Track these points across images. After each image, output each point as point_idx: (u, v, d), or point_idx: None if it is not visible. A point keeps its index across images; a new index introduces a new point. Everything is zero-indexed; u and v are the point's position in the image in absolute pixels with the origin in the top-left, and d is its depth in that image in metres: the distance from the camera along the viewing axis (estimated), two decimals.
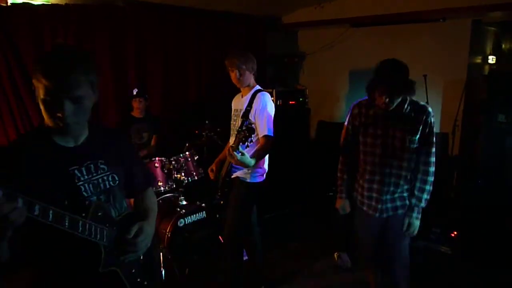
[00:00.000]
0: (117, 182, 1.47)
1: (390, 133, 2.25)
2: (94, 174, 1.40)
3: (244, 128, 2.31)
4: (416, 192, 2.29)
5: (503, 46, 5.47)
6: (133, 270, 1.50)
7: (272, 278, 3.30)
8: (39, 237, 1.27)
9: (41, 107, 1.27)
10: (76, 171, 1.35)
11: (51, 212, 1.16)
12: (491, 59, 5.23)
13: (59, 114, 1.25)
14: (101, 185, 1.41)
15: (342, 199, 2.53)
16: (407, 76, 2.12)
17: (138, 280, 1.53)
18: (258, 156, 2.57)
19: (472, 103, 4.66)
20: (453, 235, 3.81)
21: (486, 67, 5.26)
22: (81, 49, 1.35)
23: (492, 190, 4.06)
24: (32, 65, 1.28)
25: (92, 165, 1.40)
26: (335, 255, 3.54)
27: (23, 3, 3.31)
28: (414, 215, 2.31)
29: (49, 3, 3.47)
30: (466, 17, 4.43)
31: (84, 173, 1.37)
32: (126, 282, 1.44)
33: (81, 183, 1.35)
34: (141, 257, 1.56)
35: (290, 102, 4.73)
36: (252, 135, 2.31)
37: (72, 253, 1.32)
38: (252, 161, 2.50)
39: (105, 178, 1.43)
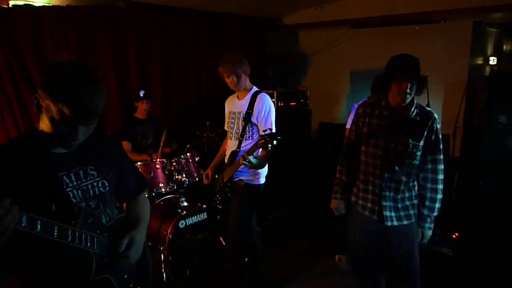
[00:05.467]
0: (107, 188, 1.45)
1: (393, 136, 2.15)
2: (83, 180, 1.38)
3: (265, 135, 2.28)
4: (427, 203, 2.22)
5: (504, 47, 5.47)
6: (126, 276, 1.48)
7: (273, 279, 3.29)
8: (27, 246, 1.25)
9: (48, 123, 1.23)
10: (64, 177, 1.33)
11: (39, 222, 1.13)
12: (492, 60, 5.23)
13: (73, 142, 1.26)
14: (91, 191, 1.39)
15: (337, 199, 2.44)
16: (419, 66, 2.11)
17: (131, 285, 1.51)
18: (267, 157, 2.57)
19: (473, 105, 4.65)
20: (454, 236, 3.80)
21: (487, 68, 5.26)
22: (93, 68, 1.28)
23: (493, 192, 4.05)
24: (45, 84, 1.19)
25: (81, 171, 1.38)
26: (336, 258, 3.54)
27: (24, 4, 3.31)
28: (427, 225, 2.26)
29: (50, 4, 3.48)
30: (467, 18, 4.43)
31: (73, 179, 1.35)
32: None
33: (69, 189, 1.33)
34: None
35: (291, 103, 4.72)
36: (274, 142, 2.28)
37: (62, 261, 1.30)
38: (262, 164, 2.52)
39: (94, 184, 1.41)
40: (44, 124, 1.26)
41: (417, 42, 4.73)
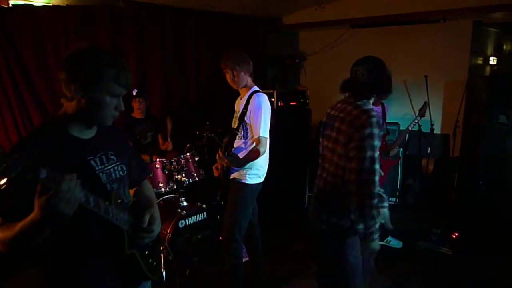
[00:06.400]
0: (125, 171, 1.56)
1: None
2: (106, 164, 1.47)
3: (227, 136, 2.51)
4: None
5: (504, 47, 5.48)
6: (146, 252, 1.59)
7: (273, 279, 3.29)
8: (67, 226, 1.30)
9: (100, 107, 1.37)
10: (91, 161, 1.42)
11: (91, 198, 1.24)
12: (492, 60, 5.24)
13: (120, 111, 1.44)
14: (113, 174, 1.49)
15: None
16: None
17: (150, 261, 1.61)
18: (250, 158, 2.59)
19: (473, 104, 4.66)
20: (454, 236, 3.80)
21: (487, 68, 5.27)
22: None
23: (493, 191, 4.06)
24: (97, 73, 1.31)
25: (104, 156, 1.47)
26: None
27: (24, 4, 3.32)
28: None
29: (50, 4, 3.48)
30: (467, 18, 4.44)
31: (98, 163, 1.44)
32: (142, 264, 1.53)
33: (97, 172, 1.42)
34: None
35: (291, 103, 4.72)
36: (234, 142, 2.58)
37: (100, 236, 1.39)
38: (244, 163, 2.54)
39: (115, 168, 1.51)
40: (74, 107, 1.34)
41: (417, 42, 4.73)
